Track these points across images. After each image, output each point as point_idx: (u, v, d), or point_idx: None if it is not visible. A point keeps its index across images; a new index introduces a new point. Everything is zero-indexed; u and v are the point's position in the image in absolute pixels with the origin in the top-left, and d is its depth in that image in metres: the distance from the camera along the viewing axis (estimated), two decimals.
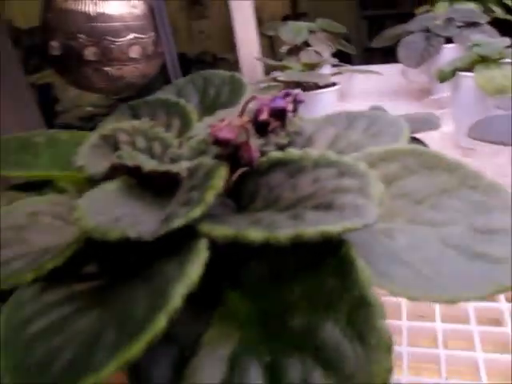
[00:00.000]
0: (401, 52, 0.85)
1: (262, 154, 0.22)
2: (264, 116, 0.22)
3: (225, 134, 0.21)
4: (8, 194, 0.27)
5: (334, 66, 0.99)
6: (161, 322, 0.13)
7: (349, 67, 0.83)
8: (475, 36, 0.73)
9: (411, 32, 0.88)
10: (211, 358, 0.15)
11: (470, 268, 0.18)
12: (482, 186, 0.21)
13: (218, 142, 0.21)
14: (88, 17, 0.67)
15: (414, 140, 0.49)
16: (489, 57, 0.67)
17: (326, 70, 0.92)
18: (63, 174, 0.25)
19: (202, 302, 0.16)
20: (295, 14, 4.49)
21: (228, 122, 0.21)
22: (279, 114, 0.23)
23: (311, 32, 0.93)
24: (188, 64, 1.26)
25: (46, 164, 0.26)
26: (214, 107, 0.31)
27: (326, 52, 0.94)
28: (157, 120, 0.29)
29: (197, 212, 0.17)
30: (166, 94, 0.34)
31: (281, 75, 0.68)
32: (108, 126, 0.25)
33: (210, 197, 0.17)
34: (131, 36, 0.73)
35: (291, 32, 0.91)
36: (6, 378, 0.15)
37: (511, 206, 0.20)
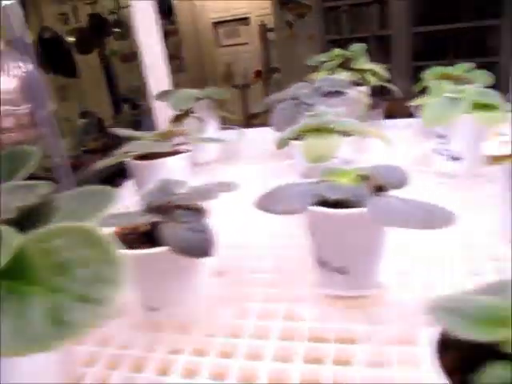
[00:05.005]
0: (272, 118, 0.90)
1: None
2: None
3: None
4: None
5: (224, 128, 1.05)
6: None
7: (200, 137, 0.87)
8: (320, 107, 0.78)
9: (284, 99, 0.93)
10: None
11: None
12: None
13: None
14: None
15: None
16: (323, 126, 0.72)
17: (211, 133, 0.98)
18: None
19: None
20: (268, 69, 4.64)
21: None
22: None
23: (198, 99, 0.99)
24: None
25: None
26: None
27: (211, 118, 1.00)
28: None
29: None
30: None
31: (126, 147, 0.73)
32: None
33: None
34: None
35: (177, 100, 0.97)
36: None
37: None
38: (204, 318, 0.56)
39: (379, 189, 0.53)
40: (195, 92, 1.00)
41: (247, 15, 4.58)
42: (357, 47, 1.09)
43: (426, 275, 0.58)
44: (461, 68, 1.00)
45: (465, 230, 0.66)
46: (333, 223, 0.50)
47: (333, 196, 0.49)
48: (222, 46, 4.69)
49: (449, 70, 0.99)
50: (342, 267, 0.53)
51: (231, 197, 0.66)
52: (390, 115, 1.16)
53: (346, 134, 0.72)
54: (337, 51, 1.09)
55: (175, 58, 5.05)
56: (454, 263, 0.60)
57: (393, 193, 0.53)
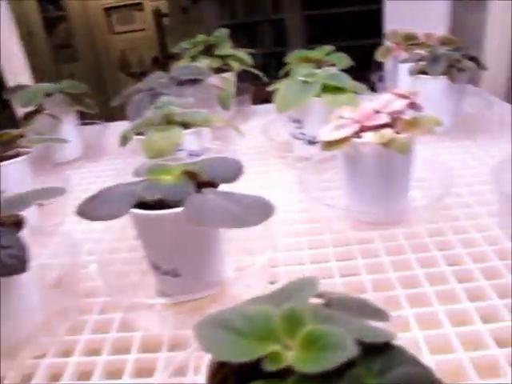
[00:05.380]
0: (128, 110, 0.85)
1: None
2: None
3: None
4: None
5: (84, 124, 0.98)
6: None
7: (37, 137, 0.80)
8: (165, 97, 0.74)
9: (141, 90, 0.88)
10: None
11: None
12: None
13: None
14: None
15: None
16: (165, 118, 0.68)
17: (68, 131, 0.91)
18: None
19: None
20: (165, 55, 4.52)
21: None
22: None
23: (48, 95, 0.91)
24: None
25: None
26: None
27: (65, 115, 0.93)
28: None
29: None
30: None
31: None
32: None
33: None
34: None
35: (23, 96, 0.89)
36: None
37: None
38: (34, 338, 0.51)
39: (208, 184, 0.50)
40: (46, 86, 0.92)
41: (140, 0, 4.41)
42: (220, 32, 1.06)
43: (265, 268, 0.56)
44: (322, 51, 1.00)
45: (311, 216, 0.66)
46: (153, 225, 0.47)
47: (149, 196, 0.46)
48: (116, 33, 4.49)
49: (309, 53, 0.99)
50: (173, 270, 0.50)
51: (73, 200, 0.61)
52: (262, 100, 1.15)
53: (191, 125, 0.68)
54: (200, 37, 1.05)
55: (66, 47, 4.77)
56: (300, 252, 0.59)
57: (224, 187, 0.51)
